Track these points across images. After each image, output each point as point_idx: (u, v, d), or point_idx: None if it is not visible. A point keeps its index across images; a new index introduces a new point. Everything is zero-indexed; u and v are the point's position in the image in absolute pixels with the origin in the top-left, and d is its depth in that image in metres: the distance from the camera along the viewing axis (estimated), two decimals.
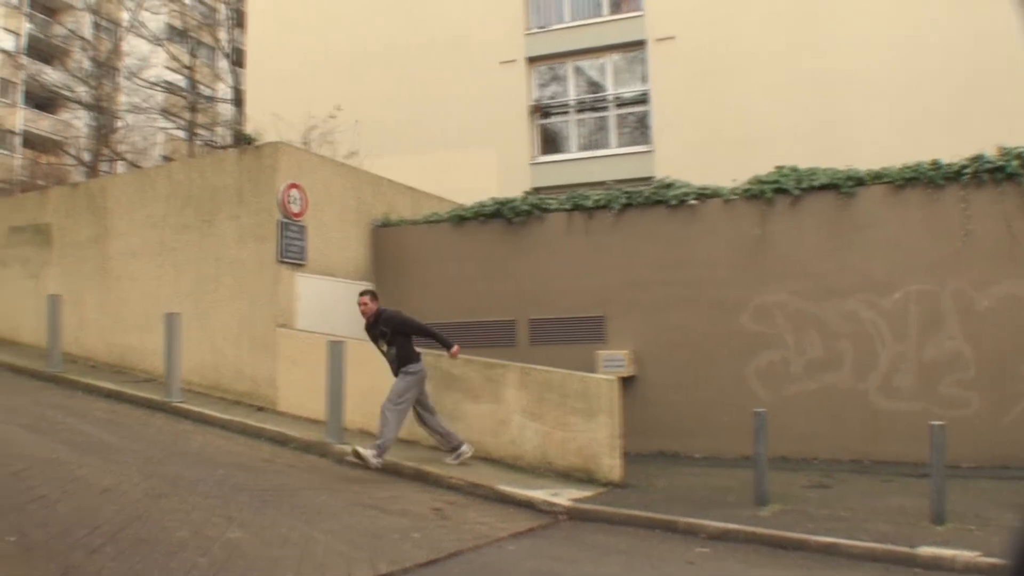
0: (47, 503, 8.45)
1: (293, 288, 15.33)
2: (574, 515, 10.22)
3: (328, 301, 15.78)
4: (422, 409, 12.26)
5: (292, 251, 15.28)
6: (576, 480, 11.79)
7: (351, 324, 15.45)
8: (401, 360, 11.93)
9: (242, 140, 26.23)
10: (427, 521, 9.44)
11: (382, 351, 12.18)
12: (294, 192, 15.38)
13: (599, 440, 12.03)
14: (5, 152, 51.79)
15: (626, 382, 13.90)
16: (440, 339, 12.22)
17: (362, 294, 12.44)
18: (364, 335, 12.56)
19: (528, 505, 10.47)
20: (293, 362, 14.64)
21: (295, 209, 15.39)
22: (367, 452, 11.36)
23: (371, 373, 13.23)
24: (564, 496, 10.68)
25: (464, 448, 12.23)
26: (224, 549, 7.61)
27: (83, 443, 11.40)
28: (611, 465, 11.93)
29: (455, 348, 12.40)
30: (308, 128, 24.59)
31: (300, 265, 15.47)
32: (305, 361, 14.14)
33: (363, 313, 12.24)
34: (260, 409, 14.57)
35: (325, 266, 15.99)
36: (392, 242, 17.39)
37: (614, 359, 15.22)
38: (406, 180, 19.07)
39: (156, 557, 7.24)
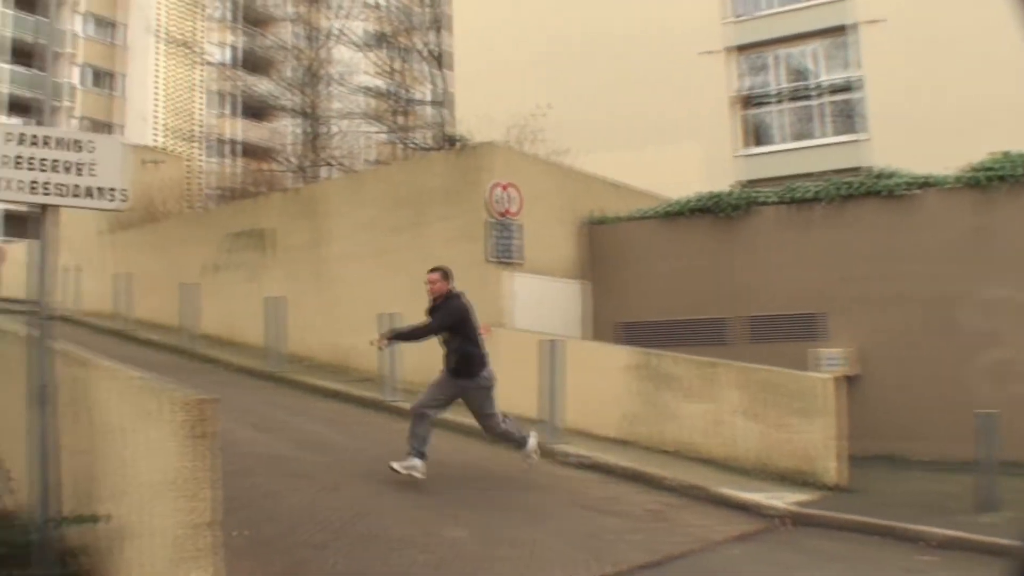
0: (275, 499, 8.75)
1: (507, 287, 15.45)
2: (793, 519, 9.96)
3: (541, 299, 15.82)
4: (496, 417, 10.70)
5: (504, 250, 15.39)
6: (793, 483, 11.47)
7: (566, 322, 15.51)
8: (462, 358, 10.49)
9: (450, 141, 26.57)
10: (644, 522, 9.39)
11: (439, 340, 10.68)
12: (505, 192, 15.50)
13: (817, 442, 11.72)
14: (222, 161, 53.99)
15: (847, 381, 13.48)
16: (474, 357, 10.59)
17: (433, 270, 10.82)
18: (580, 333, 12.48)
19: (746, 508, 10.27)
20: (508, 362, 14.68)
21: (506, 208, 15.50)
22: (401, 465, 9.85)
23: (586, 372, 13.25)
24: (783, 499, 10.44)
25: (531, 442, 10.79)
26: (446, 547, 7.74)
27: (307, 441, 11.77)
28: (830, 468, 11.60)
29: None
30: (516, 127, 24.70)
31: (513, 264, 15.57)
32: (521, 361, 14.15)
33: (429, 292, 10.67)
34: None
35: (537, 265, 16.05)
36: (602, 239, 17.32)
37: (831, 357, 14.82)
38: (611, 176, 18.97)
39: (380, 554, 7.43)
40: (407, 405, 14.14)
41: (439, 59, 36.45)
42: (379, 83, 39.52)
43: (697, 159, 25.75)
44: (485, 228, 15.31)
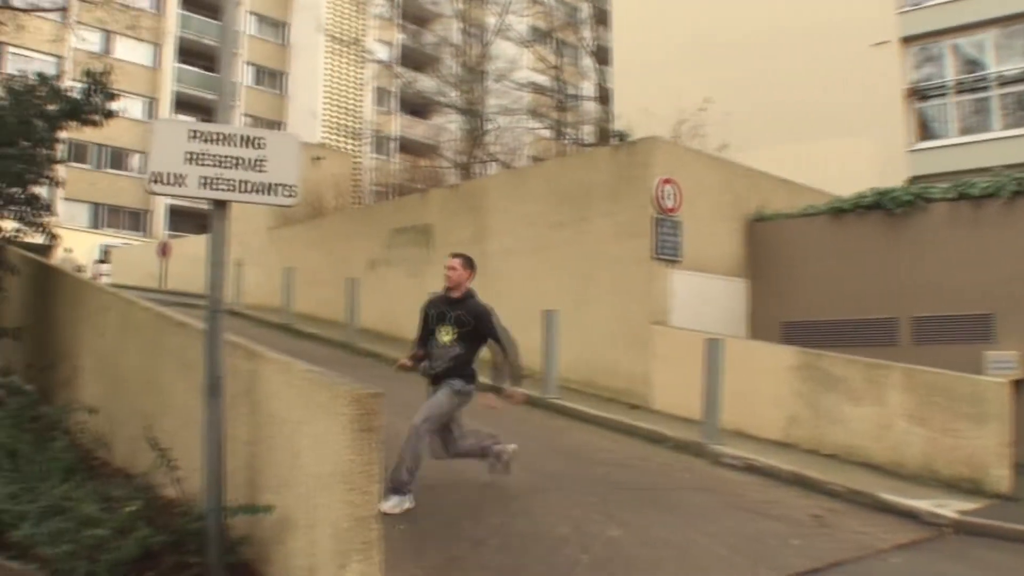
0: (435, 494, 8.86)
1: (668, 285, 15.32)
2: (960, 528, 9.66)
3: (700, 297, 15.67)
4: (455, 432, 9.22)
5: (667, 247, 15.28)
6: (961, 490, 11.12)
7: (725, 321, 15.34)
8: (460, 366, 9.05)
9: (612, 137, 26.55)
10: (806, 527, 9.22)
11: (437, 338, 9.13)
12: (668, 187, 15.38)
13: (988, 448, 11.33)
14: (384, 157, 55.00)
15: (1018, 386, 13.01)
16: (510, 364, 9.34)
17: (455, 255, 9.66)
18: (740, 332, 12.31)
19: (911, 515, 9.99)
20: (668, 360, 14.62)
21: (669, 205, 15.38)
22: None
23: (746, 372, 13.12)
24: (950, 507, 10.10)
25: (506, 447, 9.46)
26: (605, 547, 7.72)
27: None
28: (1000, 476, 11.21)
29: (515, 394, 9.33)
30: (677, 122, 24.52)
31: (674, 261, 15.44)
32: (680, 359, 14.08)
33: (448, 278, 9.39)
34: (634, 407, 14.61)
35: (698, 262, 15.88)
36: (767, 237, 17.04)
37: (1002, 360, 14.29)
38: (776, 172, 18.67)
39: (538, 552, 7.46)
40: (567, 403, 14.28)
41: (601, 54, 36.47)
42: (539, 79, 39.72)
43: (865, 154, 25.17)
44: (651, 224, 15.22)
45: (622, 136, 22.89)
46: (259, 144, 6.49)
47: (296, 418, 6.03)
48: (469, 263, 9.53)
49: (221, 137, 6.42)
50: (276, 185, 6.51)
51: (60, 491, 6.91)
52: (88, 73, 11.97)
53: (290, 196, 6.60)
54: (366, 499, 5.48)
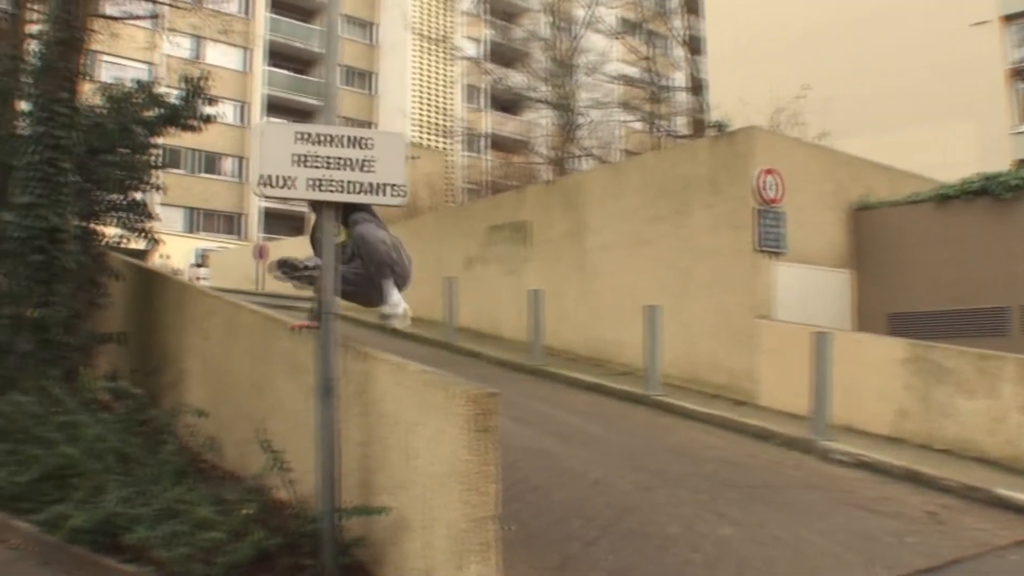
0: (542, 493, 8.85)
1: (771, 277, 15.07)
2: None
3: (804, 289, 15.39)
4: None
5: (770, 239, 15.02)
6: None
7: (829, 313, 15.09)
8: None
9: (709, 127, 26.30)
10: (921, 524, 9.02)
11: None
12: (769, 178, 15.13)
13: None
14: (475, 155, 55.19)
15: None
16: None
17: None
18: (845, 324, 12.07)
19: None
20: (773, 355, 14.38)
21: (771, 195, 15.12)
22: None
23: (854, 365, 12.90)
24: None
25: None
26: (715, 546, 7.66)
27: (569, 434, 11.83)
28: None
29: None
30: (775, 110, 24.21)
31: (778, 253, 15.18)
32: (786, 353, 13.84)
33: None
34: (739, 403, 14.42)
35: (801, 253, 15.59)
36: (871, 226, 16.65)
37: None
38: (877, 159, 18.29)
39: (649, 551, 7.42)
40: (670, 399, 14.14)
41: (693, 44, 36.15)
42: (630, 71, 39.46)
43: (968, 138, 24.65)
44: (753, 216, 15.00)
45: (720, 126, 22.63)
46: (367, 144, 6.54)
47: (411, 419, 6.04)
48: None
49: (328, 139, 6.49)
50: (384, 185, 6.54)
51: (173, 494, 7.00)
52: (187, 79, 12.17)
53: (398, 196, 6.63)
54: (483, 499, 5.48)
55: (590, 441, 11.63)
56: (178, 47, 40.44)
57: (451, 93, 57.31)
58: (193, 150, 49.06)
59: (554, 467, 9.79)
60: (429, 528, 5.79)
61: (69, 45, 10.97)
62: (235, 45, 50.22)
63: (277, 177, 6.36)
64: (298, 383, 7.30)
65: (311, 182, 6.41)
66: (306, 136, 6.44)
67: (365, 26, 60.24)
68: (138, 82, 12.72)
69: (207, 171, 52.06)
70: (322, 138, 6.46)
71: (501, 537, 5.60)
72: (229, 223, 53.17)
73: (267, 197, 7.60)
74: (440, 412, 5.72)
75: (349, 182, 6.46)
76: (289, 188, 6.39)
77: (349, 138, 6.53)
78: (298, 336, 7.43)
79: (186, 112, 12.25)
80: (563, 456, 10.55)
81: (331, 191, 6.45)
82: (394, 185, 6.57)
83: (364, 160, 6.50)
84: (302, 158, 6.40)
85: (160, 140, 12.70)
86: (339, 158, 6.46)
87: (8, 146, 11.27)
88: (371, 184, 6.51)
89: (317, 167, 6.41)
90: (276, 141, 6.44)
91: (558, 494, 8.96)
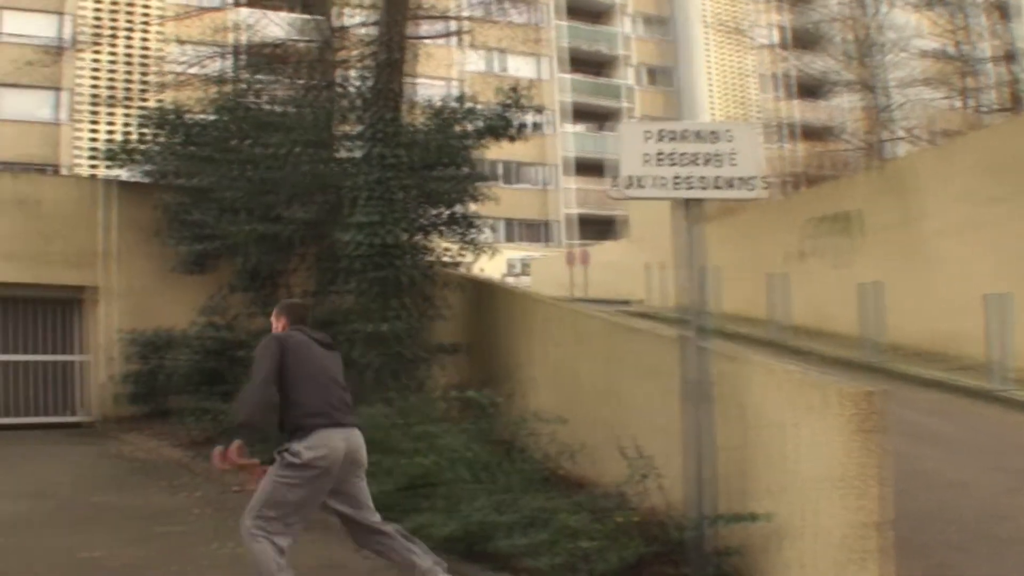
0: (901, 496, 8.58)
1: None
2: None
3: None
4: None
5: None
6: None
7: None
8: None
9: None
10: None
11: None
12: None
13: None
14: (777, 145, 54.10)
15: None
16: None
17: None
18: None
19: None
20: None
21: None
22: None
23: None
24: None
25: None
26: None
27: (917, 434, 11.43)
28: None
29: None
30: None
31: None
32: None
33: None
34: None
35: None
36: None
37: None
38: None
39: None
40: (1022, 395, 13.30)
41: (1002, 10, 34.29)
42: (930, 46, 37.80)
43: None
44: None
45: None
46: (722, 137, 6.52)
47: (783, 420, 5.97)
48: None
49: (682, 135, 6.54)
50: (743, 179, 6.51)
51: (536, 502, 7.16)
52: (513, 90, 12.56)
53: (757, 188, 6.58)
54: (867, 504, 5.33)
55: (939, 440, 11.26)
56: (482, 61, 41.63)
57: (748, 83, 56.46)
58: (501, 161, 50.36)
59: (907, 468, 9.45)
60: (810, 535, 5.70)
61: (393, 67, 11.53)
62: (531, 54, 51.25)
63: (641, 178, 6.47)
64: (648, 386, 7.35)
65: (668, 180, 6.47)
66: (658, 134, 6.52)
67: (659, 22, 60.02)
68: (458, 98, 13.22)
69: (514, 181, 53.25)
70: (675, 134, 6.53)
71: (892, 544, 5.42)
72: (533, 231, 54.21)
73: (630, 199, 7.70)
74: (815, 413, 5.64)
75: (708, 178, 6.49)
76: (647, 188, 6.48)
77: (704, 132, 6.58)
78: (644, 339, 7.49)
79: (501, 123, 12.65)
80: (915, 457, 10.20)
81: (691, 188, 6.49)
82: (753, 177, 6.53)
83: (722, 154, 6.48)
84: (657, 156, 6.46)
85: (476, 153, 13.16)
86: (695, 154, 6.48)
87: (337, 169, 11.93)
88: (730, 178, 6.50)
89: (673, 165, 6.46)
90: (633, 142, 6.54)
91: (917, 497, 8.67)
